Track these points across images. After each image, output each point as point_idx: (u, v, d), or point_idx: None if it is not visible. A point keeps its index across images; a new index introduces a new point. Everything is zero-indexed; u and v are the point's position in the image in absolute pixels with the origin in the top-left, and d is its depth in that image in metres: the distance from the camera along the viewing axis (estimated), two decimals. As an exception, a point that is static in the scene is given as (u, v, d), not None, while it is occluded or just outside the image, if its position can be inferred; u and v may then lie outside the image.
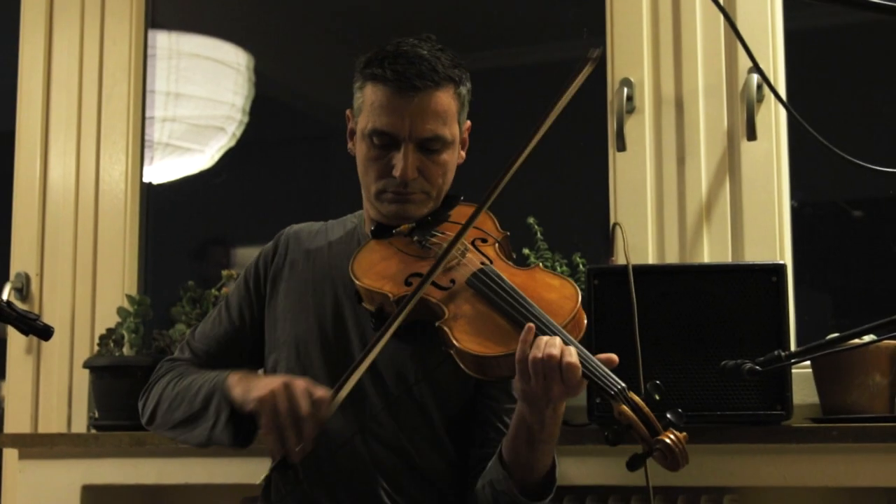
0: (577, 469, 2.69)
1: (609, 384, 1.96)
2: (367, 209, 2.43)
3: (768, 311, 2.53)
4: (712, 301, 2.56)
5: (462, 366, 2.06)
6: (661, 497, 2.70)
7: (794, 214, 2.93)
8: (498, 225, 2.36)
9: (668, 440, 1.91)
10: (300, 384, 2.09)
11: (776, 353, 1.98)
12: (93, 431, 3.31)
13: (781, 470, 2.57)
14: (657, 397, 1.96)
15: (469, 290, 2.14)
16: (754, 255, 2.86)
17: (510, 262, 2.29)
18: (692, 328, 2.55)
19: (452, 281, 2.17)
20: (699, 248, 2.91)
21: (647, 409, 1.94)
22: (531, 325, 1.99)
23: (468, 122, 2.41)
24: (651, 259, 2.95)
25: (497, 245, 2.31)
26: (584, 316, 2.13)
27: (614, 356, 2.02)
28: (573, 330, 2.08)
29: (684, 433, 1.94)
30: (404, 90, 2.25)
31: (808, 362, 2.65)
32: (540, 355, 1.95)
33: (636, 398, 1.95)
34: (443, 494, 2.31)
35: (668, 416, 1.94)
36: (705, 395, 2.53)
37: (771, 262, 2.62)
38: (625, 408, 1.93)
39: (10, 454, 3.44)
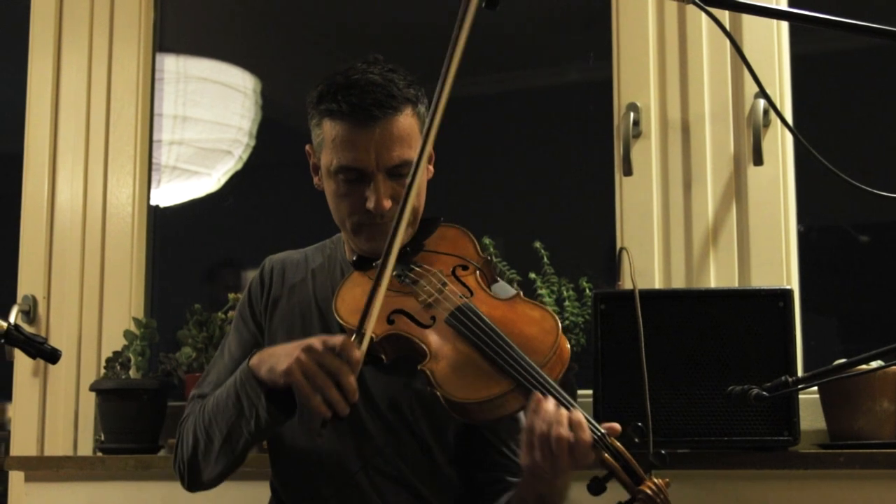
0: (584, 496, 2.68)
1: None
2: (345, 241, 2.40)
3: (775, 337, 2.53)
4: (719, 326, 2.55)
5: (448, 409, 2.04)
6: (667, 523, 2.69)
7: (800, 239, 2.93)
8: (479, 248, 2.31)
9: (648, 490, 1.89)
10: (318, 343, 2.04)
11: (783, 378, 1.97)
12: (99, 454, 3.31)
13: (788, 496, 2.57)
14: (636, 440, 1.95)
15: (450, 329, 2.11)
16: (761, 280, 2.86)
17: (492, 289, 2.26)
18: (699, 353, 2.55)
19: (433, 318, 2.14)
20: (706, 272, 2.91)
21: (628, 455, 1.92)
22: (538, 395, 1.95)
23: None
24: (657, 284, 2.95)
25: (478, 273, 2.26)
26: (567, 348, 2.10)
27: (617, 426, 1.96)
28: (556, 365, 2.05)
29: (666, 480, 1.92)
30: (364, 122, 2.19)
31: (815, 388, 2.65)
32: (551, 434, 1.91)
33: (617, 444, 1.93)
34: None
35: (651, 459, 1.92)
36: (712, 421, 2.53)
37: (778, 288, 2.62)
38: (606, 455, 1.92)
39: (17, 477, 3.44)
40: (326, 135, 2.25)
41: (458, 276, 2.24)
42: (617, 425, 1.96)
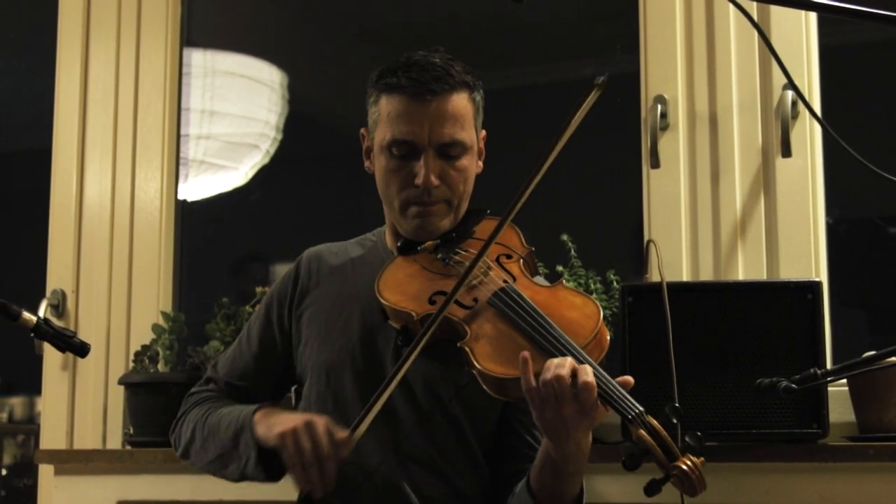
0: (611, 487, 2.68)
1: (627, 407, 1.94)
2: (391, 225, 2.42)
3: (804, 329, 2.52)
4: (747, 319, 2.54)
5: (484, 386, 2.06)
6: (695, 516, 2.68)
7: (829, 231, 2.91)
8: (523, 240, 2.35)
9: (684, 466, 1.89)
10: (321, 423, 2.09)
11: (812, 371, 1.97)
12: (128, 447, 3.32)
13: (817, 489, 2.55)
14: (675, 421, 1.95)
15: (491, 309, 2.13)
16: (789, 272, 2.84)
17: (534, 279, 2.28)
18: (727, 346, 2.54)
19: (475, 300, 2.16)
20: (734, 265, 2.90)
21: (664, 433, 1.92)
22: (525, 354, 1.97)
23: (484, 132, 2.41)
24: (685, 276, 2.93)
25: (521, 261, 2.30)
26: (607, 335, 2.11)
27: (629, 378, 1.99)
28: (594, 349, 2.06)
29: (701, 458, 1.92)
30: (420, 95, 2.25)
31: (844, 380, 2.63)
32: (549, 376, 1.93)
33: (654, 423, 1.93)
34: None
35: (687, 439, 1.92)
36: (740, 413, 2.52)
37: (806, 280, 2.61)
38: (643, 432, 1.92)
39: (46, 470, 3.46)
40: (382, 110, 2.31)
41: (501, 264, 2.27)
42: (629, 378, 1.98)
